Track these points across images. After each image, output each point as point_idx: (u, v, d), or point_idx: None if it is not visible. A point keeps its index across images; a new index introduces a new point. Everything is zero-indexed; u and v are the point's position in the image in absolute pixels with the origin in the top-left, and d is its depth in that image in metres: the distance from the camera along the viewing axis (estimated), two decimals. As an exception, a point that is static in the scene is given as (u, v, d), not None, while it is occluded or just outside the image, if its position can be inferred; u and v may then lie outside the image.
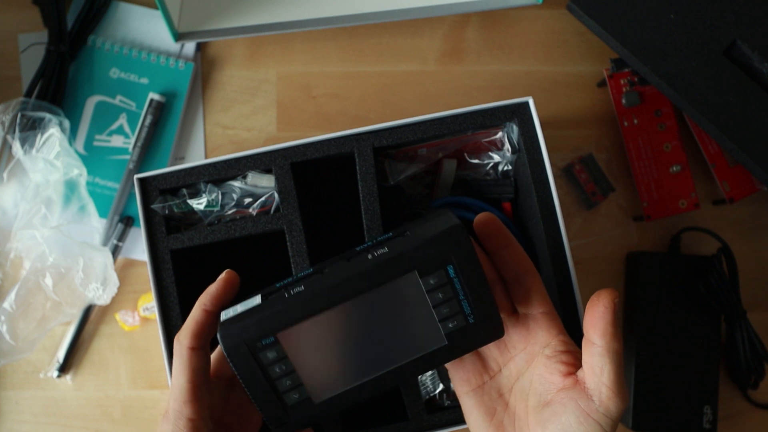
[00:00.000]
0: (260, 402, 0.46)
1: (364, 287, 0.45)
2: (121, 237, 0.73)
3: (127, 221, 0.74)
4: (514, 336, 0.49)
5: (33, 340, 0.70)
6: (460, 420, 0.59)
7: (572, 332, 0.60)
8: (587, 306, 0.45)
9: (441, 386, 0.59)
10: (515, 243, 0.48)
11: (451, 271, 0.45)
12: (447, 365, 0.51)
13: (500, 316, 0.46)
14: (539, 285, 0.48)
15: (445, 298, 0.46)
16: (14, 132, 0.70)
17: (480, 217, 0.48)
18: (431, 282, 0.45)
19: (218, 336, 0.45)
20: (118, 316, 0.74)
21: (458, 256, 0.45)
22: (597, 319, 0.43)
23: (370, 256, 0.46)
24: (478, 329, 0.46)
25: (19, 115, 0.70)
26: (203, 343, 0.47)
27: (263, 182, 0.61)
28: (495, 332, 0.47)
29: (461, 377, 0.50)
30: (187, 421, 0.46)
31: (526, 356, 0.48)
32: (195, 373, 0.47)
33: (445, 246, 0.45)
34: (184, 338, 0.47)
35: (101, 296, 0.70)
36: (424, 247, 0.45)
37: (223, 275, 0.50)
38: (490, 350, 0.50)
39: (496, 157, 0.65)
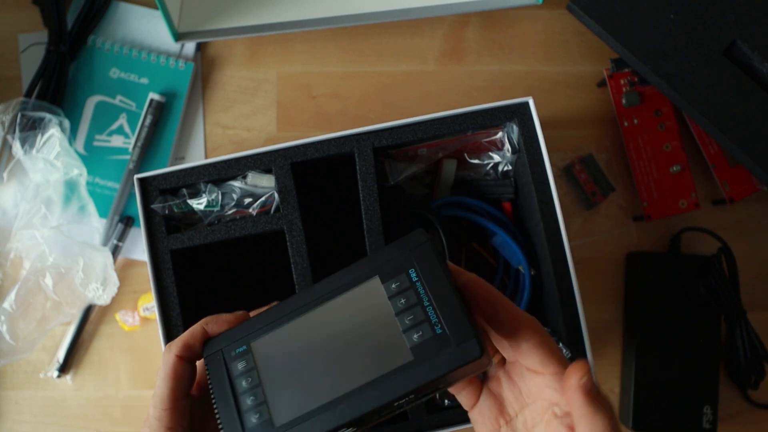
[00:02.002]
0: (222, 418, 0.45)
1: (328, 295, 0.45)
2: (121, 237, 0.73)
3: (127, 221, 0.74)
4: (529, 385, 0.46)
5: (33, 340, 0.70)
6: (459, 420, 0.59)
7: (572, 332, 0.60)
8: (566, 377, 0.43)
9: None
10: (507, 303, 0.45)
11: (413, 275, 0.43)
12: (465, 406, 0.49)
13: (475, 330, 0.42)
14: (539, 346, 0.44)
15: (408, 305, 0.43)
16: (14, 132, 0.70)
17: (466, 279, 0.45)
18: (393, 287, 0.43)
19: (204, 345, 0.46)
20: (118, 316, 0.74)
21: (420, 259, 0.43)
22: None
23: (341, 269, 0.45)
24: (449, 343, 0.42)
25: (19, 115, 0.70)
26: (192, 356, 0.47)
27: (263, 182, 0.62)
28: (469, 350, 0.41)
29: (479, 421, 0.49)
30: (166, 429, 0.46)
31: (540, 408, 0.46)
32: (178, 382, 0.46)
33: (405, 249, 0.44)
34: (174, 346, 0.47)
35: (101, 296, 0.70)
36: (385, 252, 0.44)
37: (240, 313, 0.49)
38: (506, 393, 0.48)
39: (496, 157, 0.65)
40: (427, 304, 0.43)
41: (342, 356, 0.44)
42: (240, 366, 0.45)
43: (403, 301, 0.43)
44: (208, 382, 0.46)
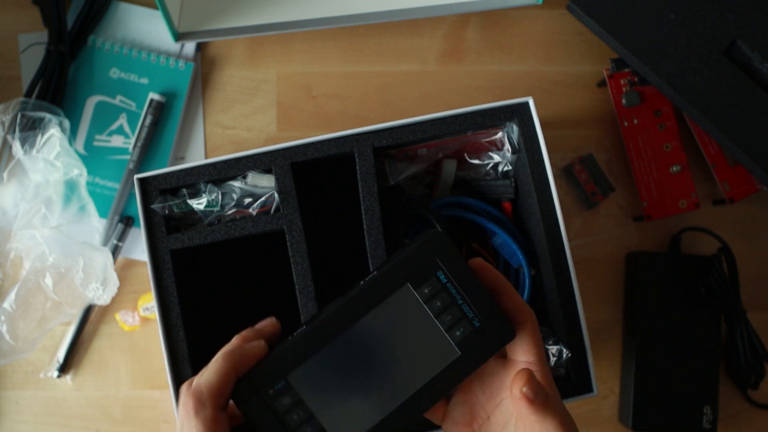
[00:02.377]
0: None
1: (361, 311, 0.45)
2: (121, 237, 0.73)
3: (127, 221, 0.74)
4: (501, 378, 0.48)
5: (33, 340, 0.70)
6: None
7: (572, 332, 0.60)
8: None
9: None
10: (511, 290, 0.47)
11: (442, 277, 0.45)
12: (436, 420, 0.50)
13: (504, 316, 0.46)
14: (531, 335, 0.46)
15: (444, 306, 0.45)
16: (14, 132, 0.70)
17: (473, 264, 0.47)
18: (426, 291, 0.45)
19: (232, 399, 0.44)
20: (118, 316, 0.74)
21: (444, 261, 0.45)
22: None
23: (362, 282, 0.45)
24: (487, 333, 0.45)
25: (19, 115, 0.70)
26: (226, 403, 0.43)
27: (263, 182, 0.62)
28: (506, 333, 0.46)
29: (453, 431, 0.49)
30: None
31: (510, 403, 0.47)
32: None
33: (429, 252, 0.45)
34: (208, 400, 0.42)
35: (101, 296, 0.70)
36: (409, 258, 0.45)
37: (260, 345, 0.45)
38: (477, 396, 0.49)
39: (496, 157, 0.65)
40: (461, 302, 0.45)
41: (390, 367, 0.45)
42: (285, 402, 0.44)
43: (438, 303, 0.45)
44: (255, 429, 0.44)
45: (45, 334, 0.71)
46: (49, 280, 0.70)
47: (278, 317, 0.63)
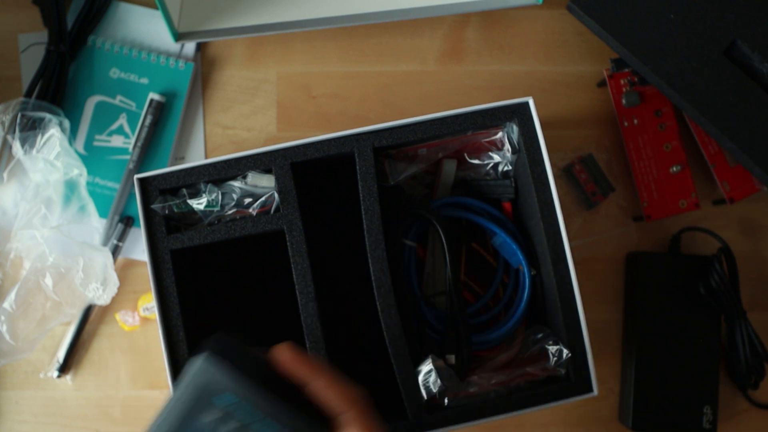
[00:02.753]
0: None
1: None
2: (121, 237, 0.73)
3: (127, 221, 0.74)
4: None
5: (33, 340, 0.70)
6: (459, 420, 0.59)
7: (572, 332, 0.60)
8: None
9: (441, 386, 0.59)
10: (325, 378, 0.43)
11: (228, 398, 0.42)
12: None
13: (319, 413, 0.42)
14: (355, 426, 0.42)
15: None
16: (14, 132, 0.70)
17: (275, 355, 0.44)
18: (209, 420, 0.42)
19: None
20: (118, 316, 0.74)
21: (225, 377, 0.42)
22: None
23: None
24: None
25: (19, 115, 0.70)
26: None
27: (263, 182, 0.62)
28: None
29: None
30: None
31: None
32: None
33: (202, 376, 0.42)
34: None
35: (101, 296, 0.70)
36: (187, 388, 0.42)
37: None
38: None
39: (496, 157, 0.65)
40: (262, 417, 0.41)
41: None
42: None
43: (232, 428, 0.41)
44: None
45: (45, 334, 0.71)
46: (49, 280, 0.69)
47: (278, 317, 0.64)
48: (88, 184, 0.73)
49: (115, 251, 0.73)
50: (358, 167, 0.61)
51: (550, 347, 0.60)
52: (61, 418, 0.74)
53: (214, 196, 0.61)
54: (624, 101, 0.73)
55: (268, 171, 0.62)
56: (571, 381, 0.60)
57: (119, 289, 0.72)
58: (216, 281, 0.70)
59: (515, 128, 0.62)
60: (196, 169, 0.61)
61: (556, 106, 0.76)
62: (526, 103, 0.61)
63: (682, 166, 0.73)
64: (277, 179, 0.61)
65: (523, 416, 0.60)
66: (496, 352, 0.66)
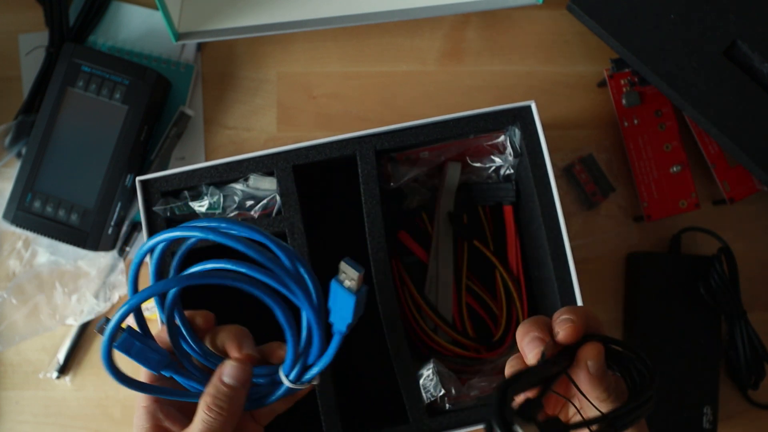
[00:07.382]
0: None
1: None
2: (127, 240, 0.73)
3: (134, 226, 0.73)
4: None
5: (13, 336, 0.70)
6: (461, 424, 0.60)
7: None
8: None
9: (442, 390, 0.59)
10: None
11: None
12: None
13: None
14: None
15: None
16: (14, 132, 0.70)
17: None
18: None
19: None
20: (119, 317, 0.74)
21: None
22: None
23: None
24: None
25: (20, 117, 0.70)
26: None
27: (265, 185, 0.62)
28: None
29: None
30: None
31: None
32: None
33: None
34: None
35: (105, 300, 0.70)
36: None
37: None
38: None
39: (498, 161, 0.65)
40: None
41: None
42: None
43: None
44: None
45: (31, 337, 0.71)
46: (49, 281, 0.70)
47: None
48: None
49: (123, 255, 0.73)
50: (360, 170, 0.61)
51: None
52: (61, 418, 0.74)
53: (215, 198, 0.61)
54: (624, 101, 0.73)
55: (269, 173, 0.62)
56: (572, 382, 0.60)
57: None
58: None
59: (517, 132, 0.62)
60: (197, 172, 0.61)
61: (557, 106, 0.76)
62: (529, 107, 0.61)
63: (682, 166, 0.73)
64: (278, 182, 0.61)
65: (524, 418, 0.60)
66: (497, 354, 0.66)
